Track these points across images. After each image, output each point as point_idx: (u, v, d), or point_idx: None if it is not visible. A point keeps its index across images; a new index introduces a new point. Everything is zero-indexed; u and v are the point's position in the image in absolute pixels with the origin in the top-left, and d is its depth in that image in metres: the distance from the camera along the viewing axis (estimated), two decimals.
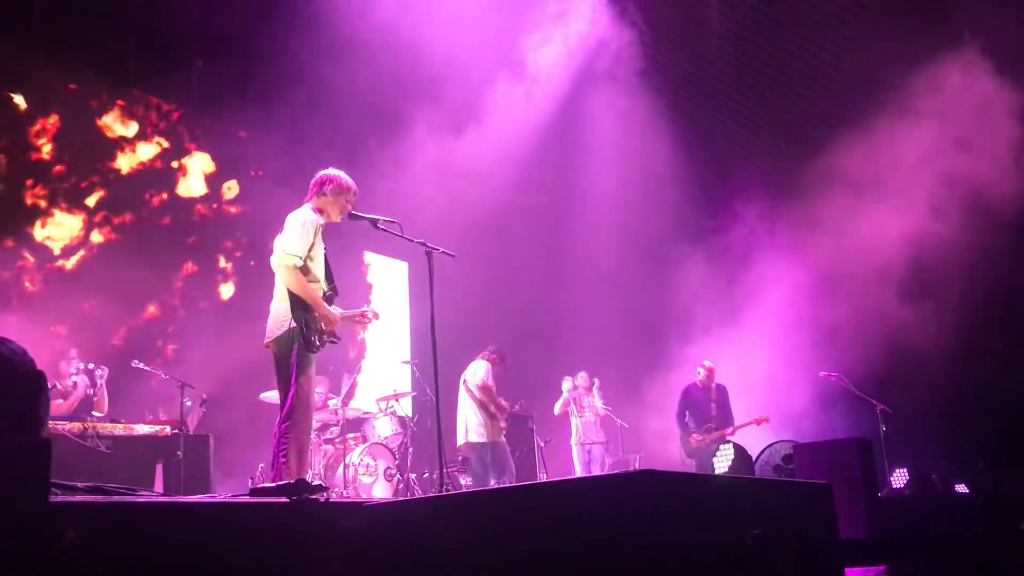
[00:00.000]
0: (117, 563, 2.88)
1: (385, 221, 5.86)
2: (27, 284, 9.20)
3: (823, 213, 11.01)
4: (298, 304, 5.18)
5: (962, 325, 10.29)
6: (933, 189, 10.38)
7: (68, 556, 2.70)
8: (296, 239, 5.23)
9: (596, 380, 10.99)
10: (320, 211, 5.51)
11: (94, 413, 7.60)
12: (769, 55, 11.93)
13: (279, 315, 5.27)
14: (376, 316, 5.87)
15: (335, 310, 5.51)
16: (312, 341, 5.20)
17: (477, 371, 8.95)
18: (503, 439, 8.89)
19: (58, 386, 7.66)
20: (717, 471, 7.08)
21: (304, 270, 5.25)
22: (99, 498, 3.16)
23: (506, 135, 11.47)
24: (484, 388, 8.78)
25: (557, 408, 10.97)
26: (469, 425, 8.87)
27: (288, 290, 5.21)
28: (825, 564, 2.99)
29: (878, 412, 9.91)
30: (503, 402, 8.91)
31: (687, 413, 9.79)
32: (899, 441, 10.11)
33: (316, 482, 5.45)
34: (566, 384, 10.99)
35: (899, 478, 9.71)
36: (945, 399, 10.39)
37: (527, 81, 11.71)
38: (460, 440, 8.95)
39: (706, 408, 9.78)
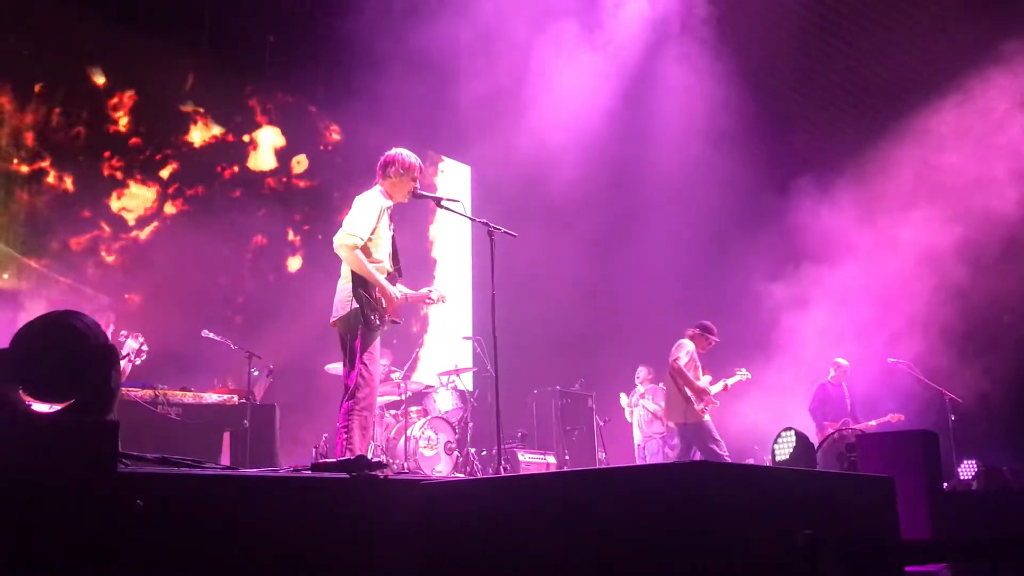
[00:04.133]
0: (181, 534, 2.97)
1: (449, 200, 5.90)
2: (103, 254, 9.47)
3: (894, 193, 10.76)
4: (359, 283, 5.25)
5: None
6: (1017, 163, 10.04)
7: (136, 526, 2.80)
8: (359, 220, 5.29)
9: (643, 376, 11.04)
10: (387, 193, 5.55)
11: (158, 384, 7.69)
12: (843, 24, 11.62)
13: (343, 295, 5.35)
14: (443, 299, 5.90)
15: (400, 289, 5.56)
16: (372, 320, 5.26)
17: (674, 349, 8.57)
18: (702, 421, 8.30)
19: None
20: (777, 458, 6.98)
21: (366, 251, 5.30)
22: (166, 470, 3.26)
23: (575, 112, 11.38)
24: (674, 369, 8.42)
25: (627, 417, 11.20)
26: (668, 403, 8.68)
27: (351, 270, 5.28)
28: (885, 563, 2.94)
29: (947, 401, 9.71)
30: (699, 384, 8.36)
31: (822, 410, 9.76)
32: (969, 432, 9.90)
33: (376, 458, 5.55)
34: (623, 400, 11.21)
35: (967, 469, 9.49)
36: (1020, 389, 10.10)
37: (599, 49, 11.57)
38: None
39: (841, 404, 9.77)
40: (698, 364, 8.50)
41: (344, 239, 5.24)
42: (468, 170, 13.39)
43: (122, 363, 7.42)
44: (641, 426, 11.02)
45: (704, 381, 8.42)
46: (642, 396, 11.07)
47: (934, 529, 4.50)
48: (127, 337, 7.71)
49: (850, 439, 6.72)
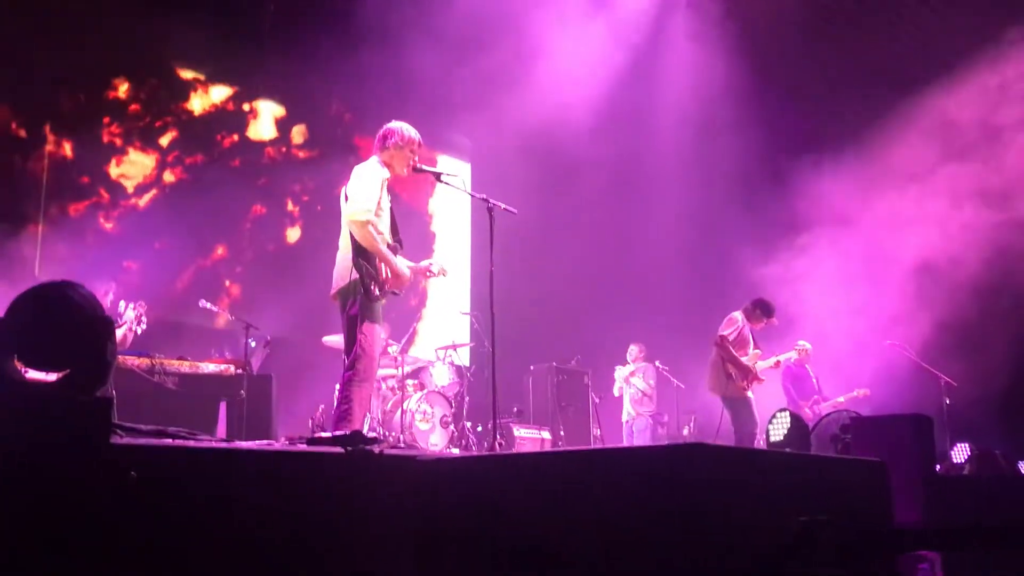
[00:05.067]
0: (175, 506, 2.98)
1: (448, 175, 5.87)
2: (102, 221, 9.45)
3: (895, 173, 10.73)
4: (359, 253, 5.22)
5: None
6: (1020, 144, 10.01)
7: (129, 498, 2.81)
8: (364, 193, 5.26)
9: (635, 354, 11.09)
10: (386, 164, 5.52)
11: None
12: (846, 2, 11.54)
13: (343, 266, 5.33)
14: (443, 273, 5.88)
15: (401, 262, 5.54)
16: (372, 291, 5.24)
17: (724, 322, 8.37)
18: (742, 397, 8.15)
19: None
20: (772, 439, 7.01)
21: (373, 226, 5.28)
22: (161, 442, 3.26)
23: (576, 88, 11.30)
24: (719, 341, 8.22)
25: (615, 391, 11.29)
26: (710, 374, 8.40)
27: (352, 241, 5.25)
28: (876, 549, 2.95)
29: (942, 385, 9.74)
30: (743, 361, 8.15)
31: (794, 390, 9.77)
32: (964, 416, 9.93)
33: (372, 432, 5.57)
34: (617, 372, 11.24)
35: (960, 453, 9.53)
36: (1016, 375, 10.12)
37: (602, 23, 11.46)
38: None
39: (808, 383, 9.79)
40: (748, 339, 8.33)
41: (360, 215, 5.18)
42: (467, 143, 13.32)
43: (123, 332, 7.48)
44: (631, 403, 11.09)
45: (753, 356, 8.27)
46: (632, 374, 11.12)
47: (926, 513, 4.52)
48: (127, 307, 7.74)
49: (844, 421, 6.72)
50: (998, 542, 2.89)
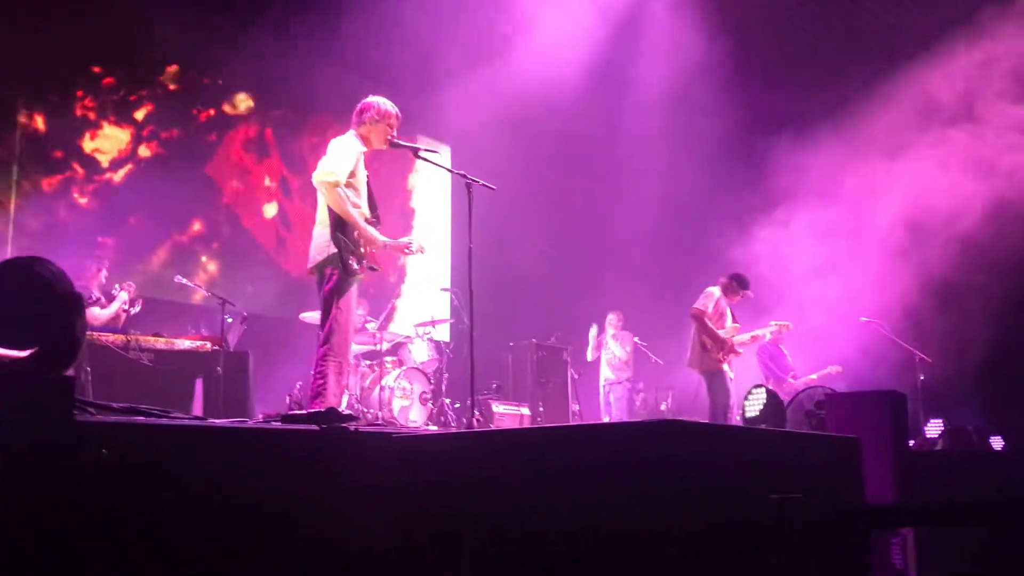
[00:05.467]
0: (148, 484, 2.96)
1: (426, 150, 5.83)
2: (76, 195, 9.34)
3: (873, 149, 10.76)
4: (338, 227, 5.19)
5: (1017, 275, 10.01)
6: (1002, 126, 10.03)
7: (98, 476, 2.78)
8: (336, 160, 5.22)
9: (613, 322, 11.15)
10: (363, 139, 5.48)
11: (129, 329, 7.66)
12: None
13: (320, 241, 5.28)
14: (422, 250, 5.84)
15: (378, 238, 5.51)
16: (350, 265, 5.20)
17: (701, 296, 8.43)
18: (718, 370, 8.20)
19: (100, 298, 7.75)
20: (748, 415, 7.06)
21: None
22: (132, 419, 3.23)
23: (555, 63, 11.21)
24: (694, 314, 8.28)
25: (589, 355, 11.26)
26: (690, 349, 8.45)
27: (329, 213, 5.21)
28: (849, 524, 2.98)
29: (917, 361, 9.83)
30: (720, 333, 8.21)
31: (771, 364, 9.82)
32: (938, 392, 10.03)
33: (349, 409, 5.55)
34: (592, 331, 11.23)
35: (934, 428, 9.64)
36: (989, 352, 10.21)
37: None
38: None
39: (783, 361, 9.84)
40: (725, 313, 8.40)
41: (324, 176, 5.15)
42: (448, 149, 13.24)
43: (115, 309, 7.49)
44: (608, 367, 11.13)
45: (730, 330, 8.35)
46: (613, 337, 11.16)
47: (899, 489, 4.56)
48: (120, 289, 7.72)
49: (818, 397, 6.77)
50: (969, 517, 2.93)
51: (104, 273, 7.86)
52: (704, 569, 2.89)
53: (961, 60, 10.28)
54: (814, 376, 9.64)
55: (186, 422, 3.56)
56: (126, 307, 7.68)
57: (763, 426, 6.83)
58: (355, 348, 8.90)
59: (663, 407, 11.63)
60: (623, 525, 2.98)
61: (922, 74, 10.50)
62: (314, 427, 3.71)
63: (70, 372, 3.26)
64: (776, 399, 6.98)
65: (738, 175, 12.03)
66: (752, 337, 8.71)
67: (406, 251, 5.82)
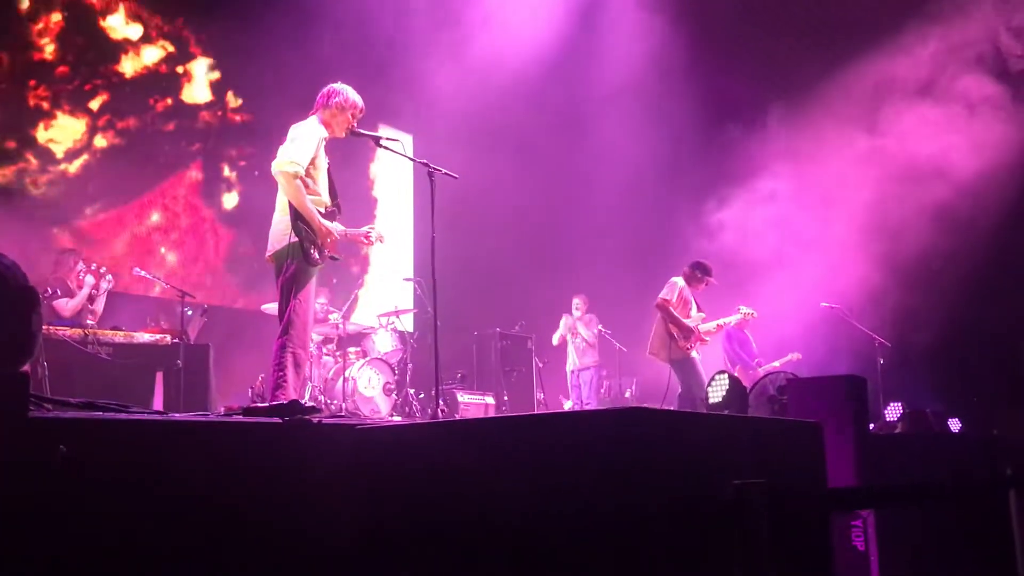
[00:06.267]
0: (107, 480, 2.91)
1: (388, 139, 5.78)
2: (30, 186, 9.15)
3: (833, 135, 10.86)
4: (298, 216, 5.12)
5: (974, 260, 10.16)
6: (963, 107, 10.17)
7: (56, 472, 2.73)
8: (298, 148, 5.14)
9: (579, 306, 11.19)
10: (325, 124, 5.41)
11: (87, 322, 7.53)
12: None
13: (280, 229, 5.21)
14: (381, 240, 5.79)
15: (337, 226, 5.45)
16: (311, 255, 5.14)
17: (665, 286, 8.46)
18: (686, 358, 8.24)
19: (64, 288, 7.60)
20: (711, 401, 7.10)
21: (303, 183, 5.17)
22: (89, 414, 3.17)
23: (515, 50, 11.18)
24: (660, 304, 8.31)
25: (555, 339, 11.29)
26: (653, 339, 8.47)
27: (288, 202, 5.15)
28: (811, 509, 3.01)
29: (876, 345, 9.97)
30: (686, 322, 8.25)
31: (738, 350, 9.89)
32: (897, 376, 10.18)
33: (311, 402, 5.50)
34: (563, 320, 11.28)
35: (893, 412, 9.79)
36: (948, 336, 10.37)
37: None
38: None
39: (748, 347, 9.92)
40: (690, 301, 8.46)
41: (285, 166, 5.06)
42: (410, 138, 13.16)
43: (84, 296, 7.41)
44: (576, 353, 11.16)
45: (696, 319, 8.42)
46: (578, 320, 11.21)
47: (860, 472, 4.62)
48: (86, 273, 7.58)
49: (780, 382, 6.83)
50: (927, 498, 2.97)
51: (81, 265, 7.72)
52: (667, 554, 2.90)
53: (922, 42, 10.39)
54: (777, 363, 9.74)
55: (145, 417, 3.50)
56: (96, 291, 7.54)
57: (726, 412, 6.88)
58: (315, 337, 8.84)
59: (627, 394, 11.69)
60: (590, 513, 2.99)
61: (881, 60, 10.62)
62: (276, 420, 3.67)
63: (26, 368, 3.19)
64: (739, 385, 7.02)
65: (700, 161, 12.09)
66: (719, 325, 8.77)
67: (364, 240, 5.77)
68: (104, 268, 7.82)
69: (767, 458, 3.42)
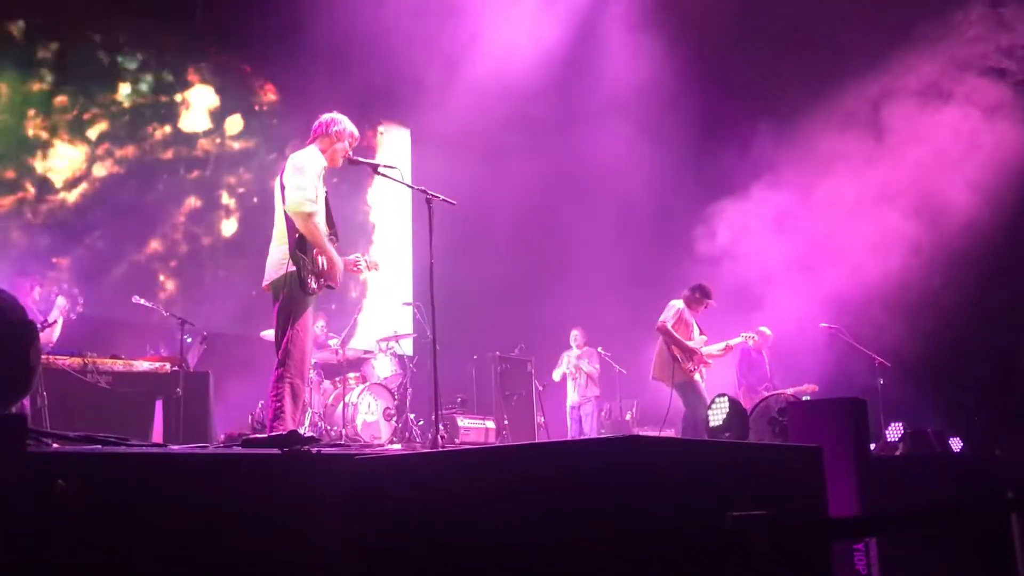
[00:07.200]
0: (106, 514, 2.90)
1: (386, 167, 5.80)
2: (28, 216, 9.17)
3: (832, 154, 10.89)
4: (297, 246, 5.13)
5: (974, 279, 10.16)
6: (958, 124, 10.20)
7: (55, 506, 2.72)
8: (305, 183, 5.16)
9: (578, 339, 11.12)
10: (323, 152, 5.44)
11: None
12: None
13: (277, 258, 5.23)
14: (374, 267, 5.81)
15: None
16: (308, 283, 5.15)
17: (665, 309, 8.45)
18: (689, 380, 8.19)
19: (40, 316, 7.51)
20: (712, 424, 7.09)
21: None
22: (89, 448, 3.17)
23: (513, 69, 11.20)
24: (660, 328, 8.28)
25: (556, 376, 11.21)
26: (656, 362, 8.46)
27: (288, 231, 5.16)
28: (811, 538, 2.99)
29: (876, 366, 9.95)
30: (689, 344, 8.24)
31: (748, 375, 9.86)
32: (897, 395, 10.15)
33: (309, 433, 5.48)
34: (565, 356, 11.21)
35: (894, 432, 9.76)
36: (947, 356, 10.36)
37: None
38: None
39: (762, 370, 9.87)
40: (691, 324, 8.43)
41: (305, 206, 5.07)
42: (407, 134, 13.22)
43: (55, 319, 7.25)
44: (577, 389, 11.10)
45: (699, 341, 8.39)
46: (579, 358, 11.15)
47: (861, 496, 4.61)
48: (57, 295, 7.49)
49: (781, 404, 6.83)
50: (926, 524, 2.96)
51: (38, 290, 7.62)
52: None
53: (916, 60, 10.43)
54: (790, 391, 9.65)
55: (144, 450, 3.50)
56: (67, 311, 7.42)
57: (727, 435, 6.88)
58: (317, 364, 8.84)
59: (628, 417, 11.65)
60: (591, 544, 2.97)
61: (876, 80, 10.67)
62: (275, 451, 3.66)
63: (26, 400, 3.19)
64: (739, 408, 7.02)
65: (699, 180, 12.10)
66: (726, 347, 8.72)
67: (354, 270, 5.78)
68: (76, 292, 7.65)
69: (767, 485, 3.41)
